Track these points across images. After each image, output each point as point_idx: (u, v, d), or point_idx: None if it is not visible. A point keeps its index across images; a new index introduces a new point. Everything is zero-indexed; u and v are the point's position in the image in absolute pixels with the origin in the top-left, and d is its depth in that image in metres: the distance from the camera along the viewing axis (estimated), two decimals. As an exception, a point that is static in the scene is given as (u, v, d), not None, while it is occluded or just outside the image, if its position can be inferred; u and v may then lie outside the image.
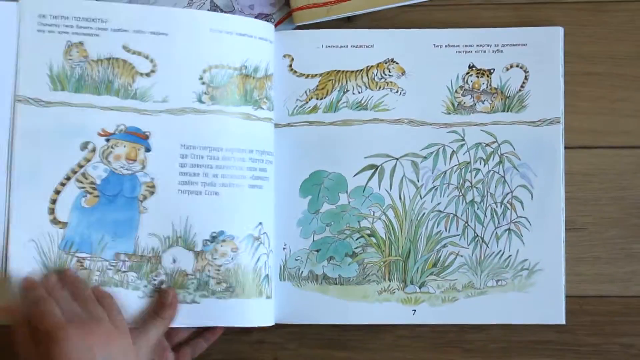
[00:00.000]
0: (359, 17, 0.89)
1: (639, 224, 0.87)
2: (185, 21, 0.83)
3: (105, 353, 0.71)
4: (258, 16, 0.89)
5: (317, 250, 0.86)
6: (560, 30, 0.87)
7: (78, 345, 0.70)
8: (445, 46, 0.88)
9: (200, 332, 0.85)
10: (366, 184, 0.87)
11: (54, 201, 0.79)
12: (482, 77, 0.87)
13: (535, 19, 0.88)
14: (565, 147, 0.86)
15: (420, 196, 0.87)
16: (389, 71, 0.88)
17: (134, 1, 0.87)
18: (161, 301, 0.79)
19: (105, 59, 0.81)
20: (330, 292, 0.86)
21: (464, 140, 0.87)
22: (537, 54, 0.87)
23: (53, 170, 0.79)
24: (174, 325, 0.80)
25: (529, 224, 0.86)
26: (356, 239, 0.86)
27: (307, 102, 0.88)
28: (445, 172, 0.87)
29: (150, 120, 0.81)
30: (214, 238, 0.81)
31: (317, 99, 0.88)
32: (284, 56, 0.88)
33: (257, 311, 0.83)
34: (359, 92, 0.88)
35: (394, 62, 0.88)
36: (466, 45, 0.88)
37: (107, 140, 0.81)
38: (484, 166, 0.87)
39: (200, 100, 0.82)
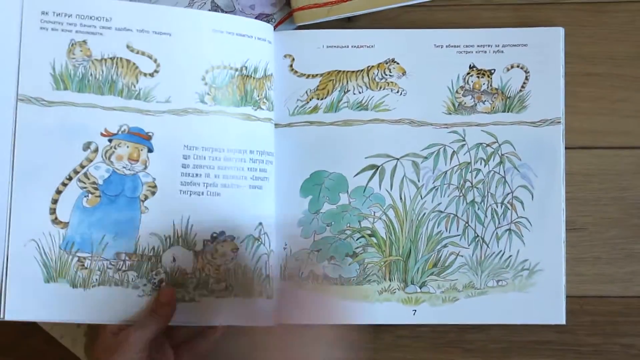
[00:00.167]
0: (359, 18, 0.89)
1: (639, 225, 0.87)
2: (188, 21, 0.83)
3: None
4: (259, 16, 0.89)
5: (318, 250, 0.86)
6: (560, 31, 0.87)
7: None
8: (446, 46, 0.88)
9: (200, 331, 0.84)
10: (367, 184, 0.87)
11: (55, 201, 0.79)
12: (482, 77, 0.87)
13: (536, 19, 0.88)
14: (566, 148, 0.86)
15: (421, 196, 0.87)
16: (390, 71, 0.88)
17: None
18: (160, 299, 0.79)
19: (108, 58, 0.81)
20: (330, 292, 0.86)
21: (464, 140, 0.87)
22: (538, 54, 0.87)
23: (55, 170, 0.79)
24: (173, 323, 0.80)
25: (529, 224, 0.86)
26: (357, 239, 0.86)
27: (308, 102, 0.88)
28: (445, 172, 0.87)
29: (153, 121, 0.81)
30: (214, 238, 0.81)
31: (318, 99, 0.88)
32: (285, 56, 0.88)
33: (257, 311, 0.83)
34: (360, 92, 0.88)
35: (395, 62, 0.88)
36: (467, 46, 0.88)
37: (110, 140, 0.80)
38: (485, 166, 0.87)
39: (202, 101, 0.82)
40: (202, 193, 0.81)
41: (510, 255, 0.86)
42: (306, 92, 0.88)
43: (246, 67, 0.84)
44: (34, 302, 0.78)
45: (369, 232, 0.86)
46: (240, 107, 0.83)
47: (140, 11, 0.82)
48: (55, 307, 0.79)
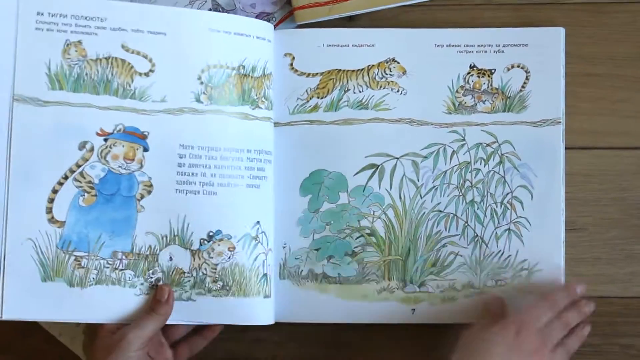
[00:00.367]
0: (360, 17, 0.89)
1: (639, 225, 0.87)
2: (183, 21, 0.83)
3: None
4: (259, 15, 0.89)
5: (317, 249, 0.86)
6: (561, 31, 0.86)
7: None
8: (447, 46, 0.87)
9: (199, 330, 0.85)
10: (366, 183, 0.87)
11: (51, 200, 0.79)
12: (483, 77, 0.87)
13: (536, 19, 0.88)
14: (566, 148, 0.86)
15: (421, 196, 0.86)
16: (390, 70, 0.87)
17: (133, 1, 0.87)
18: (157, 298, 0.80)
19: (104, 58, 0.81)
20: (329, 291, 0.86)
21: (464, 140, 0.86)
22: (539, 54, 0.86)
23: (51, 170, 0.80)
24: (170, 322, 0.80)
25: (528, 224, 0.85)
26: (356, 238, 0.86)
27: (308, 101, 0.87)
28: (445, 171, 0.86)
29: (148, 120, 0.81)
30: (210, 237, 0.81)
31: (318, 97, 0.87)
32: (285, 55, 0.88)
33: (255, 310, 0.83)
34: (360, 92, 0.87)
35: (395, 61, 0.87)
36: (467, 45, 0.87)
37: (106, 140, 0.81)
38: (484, 166, 0.86)
39: (198, 100, 0.82)
40: (198, 192, 0.82)
41: (510, 255, 0.85)
42: (306, 90, 0.88)
43: (244, 66, 0.84)
44: (32, 301, 0.79)
45: (368, 231, 0.86)
46: (238, 106, 0.83)
47: (135, 11, 0.82)
48: (52, 307, 0.79)
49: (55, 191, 0.79)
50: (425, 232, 0.86)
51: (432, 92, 0.87)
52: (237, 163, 0.83)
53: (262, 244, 0.83)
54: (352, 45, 0.88)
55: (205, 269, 0.81)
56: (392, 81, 0.87)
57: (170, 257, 0.81)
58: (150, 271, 0.81)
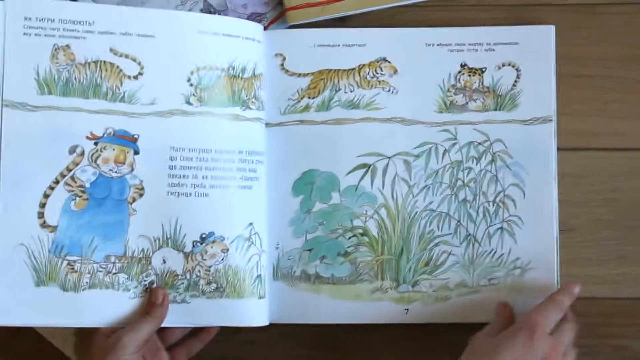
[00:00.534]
0: (351, 17, 0.89)
1: (631, 226, 0.87)
2: (171, 23, 0.83)
3: None
4: (251, 15, 0.89)
5: (310, 250, 0.86)
6: (551, 29, 0.86)
7: None
8: (438, 45, 0.87)
9: (195, 332, 0.85)
10: (358, 183, 0.86)
11: (43, 205, 0.79)
12: (474, 75, 0.86)
13: (528, 20, 0.87)
14: (557, 149, 0.86)
15: (413, 195, 0.86)
16: (381, 70, 0.87)
17: (124, 2, 0.87)
18: (152, 300, 0.80)
19: (92, 62, 0.81)
20: (323, 292, 0.86)
21: (456, 139, 0.86)
22: (529, 52, 0.86)
23: (42, 174, 0.79)
24: (165, 325, 0.81)
25: (521, 222, 0.85)
26: (349, 238, 0.86)
27: (299, 101, 0.87)
28: (437, 170, 0.86)
29: (138, 123, 0.81)
30: (203, 239, 0.81)
31: (309, 98, 0.87)
32: (276, 55, 0.87)
33: (249, 311, 0.83)
34: (351, 91, 0.87)
35: (386, 60, 0.87)
36: (458, 44, 0.87)
37: (96, 143, 0.81)
38: (476, 165, 0.86)
39: (188, 102, 0.82)
40: (190, 194, 0.82)
41: (502, 254, 0.85)
42: (297, 91, 0.87)
43: (233, 67, 0.84)
44: (25, 306, 0.79)
45: (360, 231, 0.86)
46: (228, 107, 0.83)
47: (123, 14, 0.82)
48: (46, 311, 0.79)
49: (46, 196, 0.79)
50: (417, 232, 0.86)
51: (423, 91, 0.87)
52: (229, 164, 0.83)
53: (255, 245, 0.83)
54: (343, 45, 0.88)
55: (199, 271, 0.81)
56: (383, 81, 0.87)
57: (164, 260, 0.81)
58: (144, 274, 0.81)
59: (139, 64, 0.82)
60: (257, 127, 0.85)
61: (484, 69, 0.87)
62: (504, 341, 0.75)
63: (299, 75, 0.88)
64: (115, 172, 0.81)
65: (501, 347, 0.74)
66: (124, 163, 0.81)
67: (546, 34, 0.86)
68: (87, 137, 0.80)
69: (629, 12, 0.88)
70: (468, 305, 0.85)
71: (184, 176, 0.82)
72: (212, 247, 0.81)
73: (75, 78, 0.80)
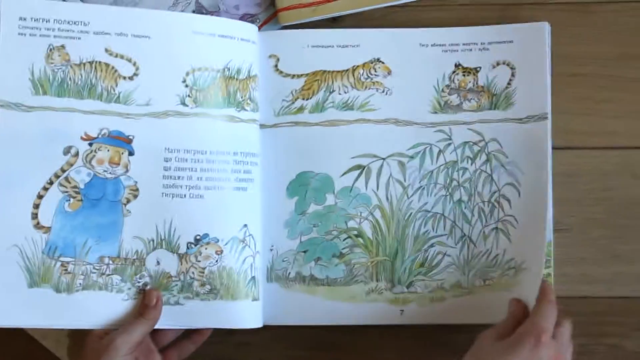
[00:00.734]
0: (344, 18, 0.89)
1: (624, 225, 0.87)
2: (167, 24, 0.83)
3: None
4: (243, 16, 0.89)
5: (305, 251, 0.86)
6: (545, 26, 0.86)
7: None
8: (432, 45, 0.87)
9: (188, 334, 0.85)
10: (353, 185, 0.86)
11: (37, 206, 0.79)
12: (468, 75, 0.87)
13: (521, 19, 0.88)
14: (551, 148, 0.85)
15: (407, 196, 0.86)
16: (375, 71, 0.87)
17: (118, 2, 0.86)
18: (145, 302, 0.80)
19: (87, 62, 0.81)
20: (317, 293, 0.86)
21: (450, 139, 0.86)
22: (523, 50, 0.86)
23: (36, 175, 0.79)
24: (158, 326, 0.80)
25: (516, 222, 0.85)
26: (343, 240, 0.86)
27: (293, 103, 0.87)
28: (432, 171, 0.86)
29: (133, 124, 0.81)
30: (197, 241, 0.81)
31: (303, 99, 0.87)
32: (270, 56, 0.87)
33: (244, 313, 0.83)
34: (345, 92, 0.87)
35: (380, 61, 0.87)
36: (452, 44, 0.87)
37: (90, 144, 0.80)
38: (471, 165, 0.86)
39: (183, 103, 0.82)
40: (185, 195, 0.81)
41: (497, 254, 0.85)
42: (291, 92, 0.87)
43: (229, 69, 0.84)
44: (18, 307, 0.79)
45: (355, 232, 0.86)
46: (224, 108, 0.83)
47: (119, 15, 0.82)
48: (39, 313, 0.79)
49: (40, 197, 0.79)
50: (412, 233, 0.86)
51: (417, 91, 0.87)
52: (224, 166, 0.83)
53: (249, 246, 0.83)
54: (337, 46, 0.88)
55: (193, 273, 0.81)
56: (377, 81, 0.87)
57: (158, 262, 0.81)
58: (138, 276, 0.80)
59: (134, 64, 0.82)
60: (252, 128, 0.85)
61: (478, 69, 0.87)
62: (510, 349, 0.73)
63: (293, 76, 0.88)
64: (110, 173, 0.81)
65: (507, 355, 0.73)
66: (118, 164, 0.81)
67: (540, 31, 0.86)
68: (82, 138, 0.80)
69: (622, 11, 0.88)
70: (463, 306, 0.85)
71: (178, 177, 0.81)
72: (206, 248, 0.81)
73: (70, 78, 0.80)
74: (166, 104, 0.82)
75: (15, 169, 0.79)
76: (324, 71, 0.87)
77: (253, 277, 0.83)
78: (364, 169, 0.86)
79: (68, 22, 0.81)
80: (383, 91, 0.87)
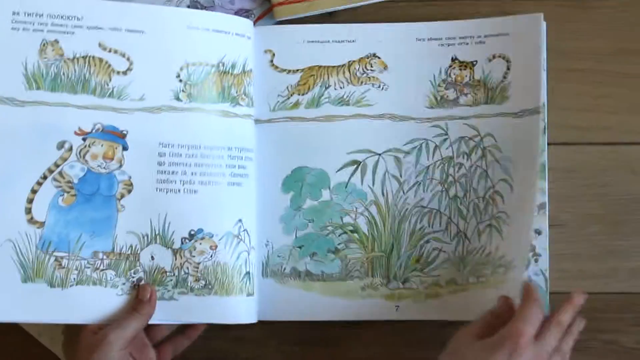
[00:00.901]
0: (340, 13, 0.88)
1: (621, 221, 0.87)
2: (161, 18, 0.82)
3: None
4: (238, 11, 0.88)
5: (300, 247, 0.86)
6: (540, 18, 0.85)
7: None
8: (428, 40, 0.87)
9: (182, 329, 0.85)
10: (348, 180, 0.86)
11: (30, 201, 0.79)
12: (465, 69, 0.86)
13: (518, 14, 0.87)
14: (548, 144, 0.86)
15: (403, 192, 0.86)
16: (371, 66, 0.87)
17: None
18: (139, 297, 0.79)
19: (81, 57, 0.81)
20: (313, 289, 0.86)
21: (447, 134, 0.86)
22: (519, 42, 0.86)
23: (29, 170, 0.79)
24: (153, 321, 0.80)
25: (507, 217, 0.84)
26: (339, 235, 0.86)
27: (289, 98, 0.87)
28: (428, 167, 0.86)
29: (127, 119, 0.81)
30: (192, 236, 0.81)
31: (299, 94, 0.87)
32: (265, 51, 0.87)
33: (238, 308, 0.82)
34: (341, 88, 0.87)
35: (376, 56, 0.87)
36: (449, 38, 0.87)
37: (84, 139, 0.80)
38: (467, 160, 0.86)
39: (177, 98, 0.82)
40: (179, 190, 0.81)
41: (490, 252, 0.85)
42: (287, 87, 0.87)
43: (223, 63, 0.83)
44: (12, 302, 0.78)
45: (351, 228, 0.86)
46: (218, 103, 0.83)
47: (112, 9, 0.82)
48: (33, 308, 0.79)
49: (34, 191, 0.79)
50: (408, 228, 0.86)
51: (413, 86, 0.87)
52: (218, 161, 0.82)
53: (244, 242, 0.83)
54: (333, 41, 0.87)
55: (187, 268, 0.81)
56: (373, 77, 0.87)
57: (152, 257, 0.81)
58: (132, 271, 0.80)
59: (128, 59, 0.81)
60: (246, 123, 0.85)
61: (474, 62, 0.86)
62: (489, 351, 0.72)
63: (289, 71, 0.87)
64: (104, 168, 0.80)
65: (486, 357, 0.72)
66: (112, 159, 0.81)
67: (535, 23, 0.85)
68: (76, 133, 0.80)
69: (618, 6, 0.88)
70: (458, 302, 0.85)
71: (172, 172, 0.81)
72: (200, 243, 0.81)
73: (63, 73, 0.80)
74: (160, 98, 0.82)
75: (9, 164, 0.79)
76: (320, 66, 0.87)
77: (248, 273, 0.83)
78: (359, 165, 0.86)
79: (61, 17, 0.80)
80: (379, 86, 0.87)
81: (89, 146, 0.80)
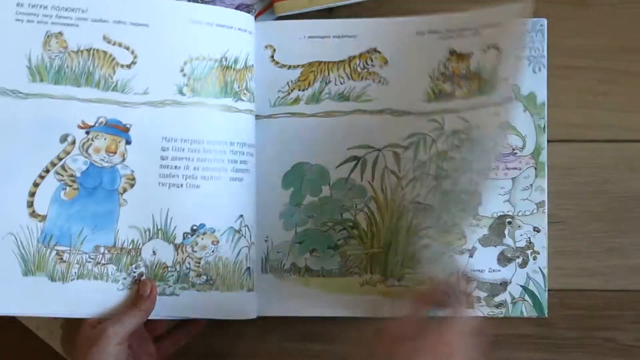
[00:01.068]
0: (340, 8, 0.88)
1: (620, 218, 0.87)
2: (165, 12, 0.82)
3: None
4: (239, 6, 0.88)
5: (300, 243, 0.86)
6: (529, 5, 0.83)
7: None
8: (428, 33, 0.86)
9: (183, 324, 0.84)
10: (348, 176, 0.86)
11: (32, 194, 0.78)
12: (462, 62, 0.86)
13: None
14: (548, 141, 0.86)
15: (402, 187, 0.86)
16: (372, 61, 0.87)
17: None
18: (140, 293, 0.79)
19: (85, 49, 0.80)
20: (312, 285, 0.86)
21: (443, 128, 0.85)
22: (507, 31, 0.84)
23: (32, 163, 0.78)
24: (154, 317, 0.80)
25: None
26: (338, 231, 0.86)
27: (289, 94, 0.87)
28: (424, 162, 0.86)
29: (131, 113, 0.80)
30: (194, 231, 0.81)
31: (299, 90, 0.87)
32: (266, 47, 0.87)
33: (238, 304, 0.82)
34: (341, 83, 0.87)
35: (377, 51, 0.87)
36: (448, 30, 0.86)
37: (87, 132, 0.80)
38: (458, 154, 0.85)
39: (181, 92, 0.82)
40: (182, 185, 0.81)
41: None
42: (287, 83, 0.87)
43: (226, 58, 0.83)
44: (13, 295, 0.78)
45: (350, 224, 0.86)
46: (221, 98, 0.83)
47: (117, 2, 0.81)
48: (34, 301, 0.78)
49: (36, 185, 0.78)
50: (405, 225, 0.86)
51: (413, 80, 0.86)
52: (220, 156, 0.82)
53: (245, 237, 0.83)
54: (333, 37, 0.87)
55: (189, 263, 0.81)
56: (373, 72, 0.87)
57: (154, 252, 0.80)
58: (133, 265, 0.80)
59: (132, 52, 0.81)
60: (248, 118, 0.85)
61: (470, 54, 0.86)
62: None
63: (289, 67, 0.87)
64: (107, 161, 0.80)
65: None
66: (115, 153, 0.80)
67: (523, 10, 0.83)
68: (79, 126, 0.79)
69: (618, 3, 0.88)
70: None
71: (175, 167, 0.81)
72: (202, 239, 0.81)
73: (67, 66, 0.79)
74: (164, 92, 0.81)
75: (11, 156, 0.78)
76: (320, 62, 0.87)
77: (248, 268, 0.83)
78: (359, 160, 0.86)
79: (66, 9, 0.80)
80: (379, 81, 0.87)
81: (92, 140, 0.80)
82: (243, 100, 0.84)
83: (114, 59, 0.80)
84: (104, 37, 0.80)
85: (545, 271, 0.85)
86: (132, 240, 0.80)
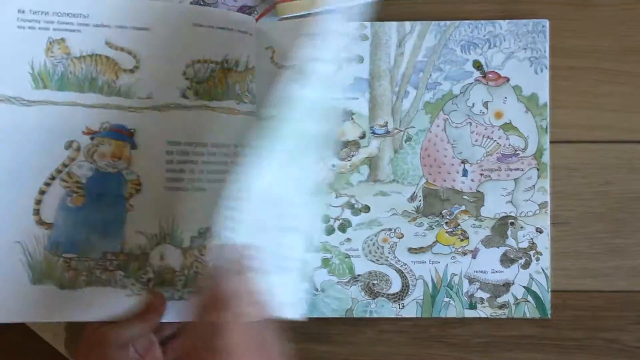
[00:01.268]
0: (342, 9, 0.88)
1: (623, 219, 0.88)
2: (167, 15, 0.81)
3: None
4: (241, 8, 0.88)
5: (303, 243, 0.86)
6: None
7: None
8: None
9: (188, 327, 0.84)
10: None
11: (38, 202, 0.77)
12: None
13: (520, 13, 0.87)
14: (550, 142, 0.86)
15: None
16: None
17: (115, -8, 0.85)
18: (148, 305, 0.79)
19: (88, 55, 0.79)
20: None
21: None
22: None
23: (37, 170, 0.78)
24: (162, 321, 0.79)
25: None
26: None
27: (289, 94, 0.87)
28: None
29: (135, 117, 0.80)
30: (201, 234, 0.81)
31: (300, 91, 0.87)
32: (266, 48, 0.87)
33: (244, 306, 0.83)
34: (343, 84, 0.87)
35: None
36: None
37: (92, 138, 0.79)
38: None
39: (184, 96, 0.81)
40: (187, 189, 0.81)
41: None
42: (288, 83, 0.87)
43: (227, 61, 0.83)
44: (22, 304, 0.77)
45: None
46: (224, 101, 0.82)
47: (118, 7, 0.80)
48: (43, 309, 0.78)
49: (42, 192, 0.78)
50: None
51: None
52: (225, 159, 0.82)
53: (251, 239, 0.83)
54: (335, 37, 0.87)
55: (197, 267, 0.81)
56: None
57: (161, 257, 0.80)
58: (141, 271, 0.80)
59: (135, 57, 0.80)
60: (251, 121, 0.84)
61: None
62: None
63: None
64: (112, 167, 0.79)
65: None
66: (120, 158, 0.80)
67: None
68: (83, 132, 0.79)
69: (620, 4, 0.88)
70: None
71: (181, 170, 0.81)
72: (210, 242, 0.81)
73: (70, 72, 0.78)
74: (167, 96, 0.81)
75: (17, 164, 0.77)
76: (321, 62, 0.87)
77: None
78: (362, 161, 0.87)
79: (67, 15, 0.79)
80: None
81: (97, 145, 0.79)
82: (245, 103, 0.84)
83: (116, 64, 0.80)
84: (107, 42, 0.79)
85: (548, 272, 0.86)
86: (140, 246, 0.80)
